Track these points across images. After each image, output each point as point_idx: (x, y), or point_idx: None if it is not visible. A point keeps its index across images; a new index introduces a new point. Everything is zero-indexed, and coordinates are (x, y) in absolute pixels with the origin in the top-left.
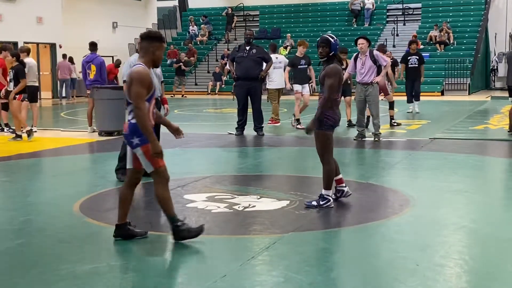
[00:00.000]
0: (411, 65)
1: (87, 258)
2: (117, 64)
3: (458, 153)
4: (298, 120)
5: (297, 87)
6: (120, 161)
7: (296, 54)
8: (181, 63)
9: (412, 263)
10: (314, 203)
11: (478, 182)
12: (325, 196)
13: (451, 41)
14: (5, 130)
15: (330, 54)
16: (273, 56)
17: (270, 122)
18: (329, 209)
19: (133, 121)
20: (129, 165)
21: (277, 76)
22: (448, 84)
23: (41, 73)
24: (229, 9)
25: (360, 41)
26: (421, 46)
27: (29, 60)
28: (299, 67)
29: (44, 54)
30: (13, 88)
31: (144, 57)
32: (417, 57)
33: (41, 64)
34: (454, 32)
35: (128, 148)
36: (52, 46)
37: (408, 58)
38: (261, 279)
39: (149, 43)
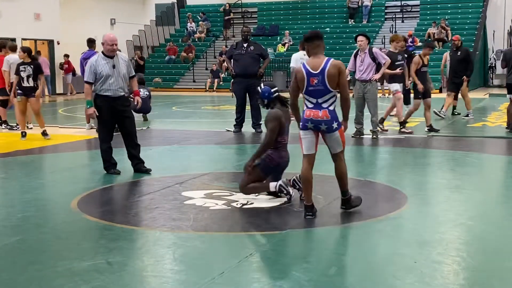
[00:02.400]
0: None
1: (85, 255)
2: None
3: (456, 150)
4: (403, 123)
5: (395, 86)
6: (108, 157)
7: (390, 49)
8: (135, 59)
9: (409, 260)
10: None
11: (476, 179)
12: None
13: (449, 39)
14: (3, 127)
15: (265, 103)
16: (300, 53)
17: None
18: (326, 207)
19: (331, 108)
20: (312, 151)
21: None
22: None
23: None
24: (227, 5)
25: (360, 38)
26: (419, 43)
27: (15, 57)
28: (396, 63)
29: (42, 51)
30: (32, 84)
31: (322, 53)
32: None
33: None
34: (452, 29)
35: (311, 135)
36: (50, 43)
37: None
38: (259, 276)
39: (321, 41)
